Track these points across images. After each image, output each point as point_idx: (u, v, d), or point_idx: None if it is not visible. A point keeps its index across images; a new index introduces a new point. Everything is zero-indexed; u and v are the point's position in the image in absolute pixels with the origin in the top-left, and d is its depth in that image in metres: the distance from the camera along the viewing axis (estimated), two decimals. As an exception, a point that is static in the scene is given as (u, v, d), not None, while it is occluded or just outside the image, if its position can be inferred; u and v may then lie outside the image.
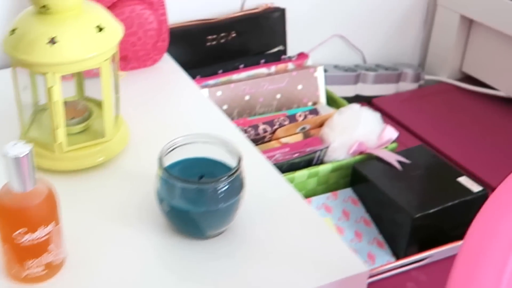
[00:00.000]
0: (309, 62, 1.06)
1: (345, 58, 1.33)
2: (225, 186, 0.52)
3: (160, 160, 0.53)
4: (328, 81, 1.26)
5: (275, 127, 0.88)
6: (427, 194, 0.77)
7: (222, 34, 1.12)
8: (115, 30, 0.63)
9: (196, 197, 0.53)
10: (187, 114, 0.80)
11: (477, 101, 1.24)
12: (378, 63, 1.34)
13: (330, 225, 0.82)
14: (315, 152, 0.84)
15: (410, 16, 1.34)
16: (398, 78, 1.31)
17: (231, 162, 0.55)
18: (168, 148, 0.55)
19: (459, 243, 0.76)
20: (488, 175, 0.98)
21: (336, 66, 1.29)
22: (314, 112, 0.91)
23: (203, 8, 1.11)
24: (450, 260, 0.72)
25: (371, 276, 0.74)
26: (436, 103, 1.25)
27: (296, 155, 0.83)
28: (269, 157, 0.84)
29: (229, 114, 0.97)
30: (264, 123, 0.88)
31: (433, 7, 1.33)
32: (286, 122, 0.88)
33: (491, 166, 1.00)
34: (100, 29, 0.60)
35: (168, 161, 0.56)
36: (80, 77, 0.74)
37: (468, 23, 1.27)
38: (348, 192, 0.86)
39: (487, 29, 1.20)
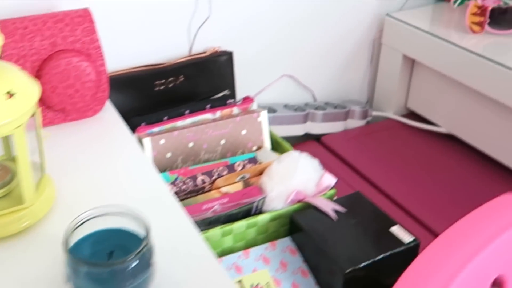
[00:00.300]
0: (254, 106, 1.02)
1: (296, 97, 1.29)
2: (132, 264, 0.47)
3: (65, 242, 0.48)
4: (278, 121, 1.22)
5: (214, 177, 0.83)
6: (359, 245, 0.73)
7: (171, 79, 1.07)
8: (28, 94, 0.57)
9: (102, 278, 0.47)
10: (120, 170, 0.74)
11: (421, 137, 1.22)
12: (328, 101, 1.31)
13: (267, 277, 0.77)
14: (253, 202, 0.79)
15: (357, 55, 1.31)
16: (346, 115, 1.28)
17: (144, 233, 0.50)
18: (75, 226, 0.49)
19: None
20: (427, 215, 0.94)
21: (286, 106, 1.25)
22: (253, 160, 0.86)
23: (152, 53, 1.07)
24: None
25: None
26: (382, 139, 1.22)
27: (234, 206, 0.78)
28: (209, 208, 0.79)
29: (173, 161, 0.92)
30: (203, 174, 0.83)
31: (378, 46, 1.30)
32: (225, 172, 0.83)
33: (429, 205, 0.97)
34: (11, 95, 0.55)
35: (79, 234, 0.50)
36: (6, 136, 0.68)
37: (411, 62, 1.24)
38: (286, 241, 0.81)
39: (428, 68, 1.18)
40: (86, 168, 0.74)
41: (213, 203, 0.79)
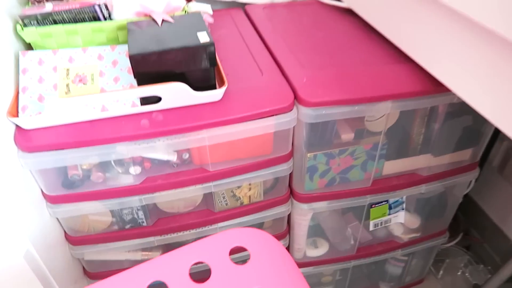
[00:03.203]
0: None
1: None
2: None
3: None
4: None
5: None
6: (161, 41, 0.62)
7: None
8: None
9: None
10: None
11: (331, 12, 1.05)
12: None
13: (95, 70, 0.68)
14: (93, 6, 0.70)
15: None
16: (272, -9, 1.12)
17: None
18: None
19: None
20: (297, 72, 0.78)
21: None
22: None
23: None
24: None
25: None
26: (297, 12, 1.06)
27: (78, 7, 0.69)
28: (56, 9, 0.70)
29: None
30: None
31: None
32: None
33: (305, 66, 0.81)
34: None
35: None
36: None
37: None
38: (126, 47, 0.71)
39: None
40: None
41: (62, 6, 0.71)
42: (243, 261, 0.53)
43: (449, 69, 0.61)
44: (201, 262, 0.53)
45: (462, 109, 0.79)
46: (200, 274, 0.55)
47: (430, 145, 0.83)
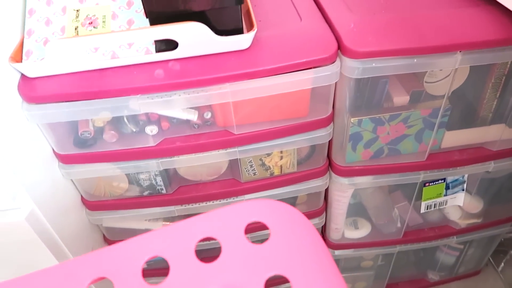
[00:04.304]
0: None
1: None
2: None
3: None
4: None
5: None
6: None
7: None
8: None
9: None
10: None
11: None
12: None
13: (107, 12, 0.59)
14: None
15: None
16: None
17: None
18: None
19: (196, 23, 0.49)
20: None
21: None
22: None
23: None
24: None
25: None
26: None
27: None
28: None
29: None
30: None
31: None
32: None
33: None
34: None
35: None
36: None
37: None
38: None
39: None
40: None
41: None
42: (261, 240, 0.42)
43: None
44: (210, 238, 0.43)
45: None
46: (208, 252, 0.45)
47: (506, 113, 0.67)
